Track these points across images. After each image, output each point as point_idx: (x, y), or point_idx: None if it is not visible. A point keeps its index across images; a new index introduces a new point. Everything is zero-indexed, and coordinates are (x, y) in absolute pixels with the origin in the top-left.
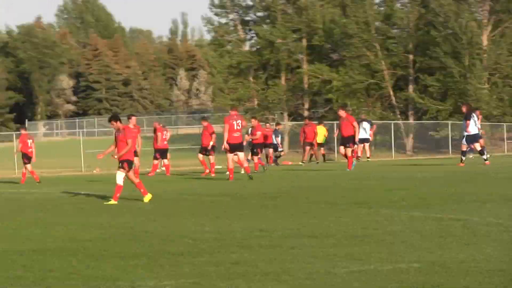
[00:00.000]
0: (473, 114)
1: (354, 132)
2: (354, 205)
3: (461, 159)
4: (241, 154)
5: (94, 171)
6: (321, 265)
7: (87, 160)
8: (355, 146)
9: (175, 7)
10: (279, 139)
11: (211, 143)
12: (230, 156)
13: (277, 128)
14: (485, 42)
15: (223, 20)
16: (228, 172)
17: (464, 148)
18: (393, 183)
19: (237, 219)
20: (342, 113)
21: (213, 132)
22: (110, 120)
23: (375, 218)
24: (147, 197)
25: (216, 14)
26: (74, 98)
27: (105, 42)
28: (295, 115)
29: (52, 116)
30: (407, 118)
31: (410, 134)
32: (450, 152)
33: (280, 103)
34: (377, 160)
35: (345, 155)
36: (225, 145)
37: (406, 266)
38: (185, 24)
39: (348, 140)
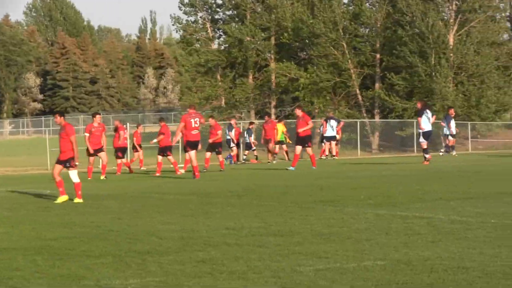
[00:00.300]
0: (427, 111)
1: (310, 131)
2: (320, 203)
3: (424, 157)
4: (192, 153)
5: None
6: (287, 263)
7: (53, 159)
8: (322, 145)
9: (144, 5)
10: (252, 138)
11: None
12: (192, 153)
13: (250, 127)
14: (451, 41)
15: (192, 19)
16: (193, 171)
17: (425, 146)
18: (359, 181)
19: (203, 218)
20: (298, 112)
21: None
22: (55, 115)
23: (341, 216)
24: (62, 198)
25: (185, 13)
26: (40, 97)
27: (73, 41)
28: (262, 114)
29: (18, 114)
30: (373, 117)
31: (376, 132)
32: (415, 151)
33: (248, 101)
34: (343, 159)
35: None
36: (174, 140)
37: (371, 264)
38: (153, 22)
39: (305, 140)
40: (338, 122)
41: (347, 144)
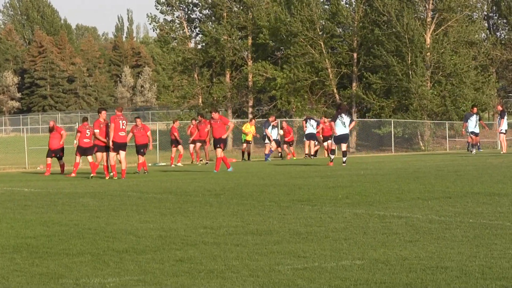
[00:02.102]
0: (342, 115)
1: (226, 133)
2: (298, 202)
3: (330, 159)
4: (123, 153)
5: (38, 168)
6: (265, 262)
7: (31, 157)
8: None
9: (121, 4)
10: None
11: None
12: (113, 154)
13: (273, 124)
14: (428, 40)
15: (169, 18)
16: (111, 170)
17: (333, 147)
18: (337, 180)
19: (181, 216)
20: (215, 115)
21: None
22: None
23: (319, 216)
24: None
25: (162, 12)
26: (18, 95)
27: (50, 39)
28: (239, 113)
29: None
30: (350, 116)
31: (353, 131)
32: (393, 150)
33: (225, 100)
34: (321, 158)
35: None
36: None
37: (349, 263)
38: (130, 21)
39: (218, 141)
40: (318, 122)
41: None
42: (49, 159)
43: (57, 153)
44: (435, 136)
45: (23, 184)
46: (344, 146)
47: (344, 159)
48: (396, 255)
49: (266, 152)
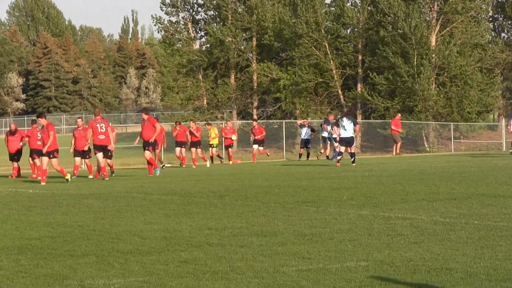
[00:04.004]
0: (343, 119)
1: (155, 134)
2: (303, 204)
3: (337, 159)
4: (100, 155)
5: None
6: (270, 264)
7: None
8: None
9: (126, 5)
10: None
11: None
12: (100, 155)
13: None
14: (433, 42)
15: (174, 19)
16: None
17: (340, 149)
18: (341, 182)
19: (186, 218)
20: (144, 116)
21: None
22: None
23: (324, 217)
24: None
25: (167, 13)
26: (23, 96)
27: (55, 40)
28: (244, 114)
29: (0, 114)
30: (355, 117)
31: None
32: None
33: (230, 102)
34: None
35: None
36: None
37: (354, 265)
38: (135, 22)
39: (147, 144)
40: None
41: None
42: (15, 162)
43: (16, 156)
44: (440, 138)
45: (28, 185)
46: (349, 148)
47: (352, 159)
48: (401, 257)
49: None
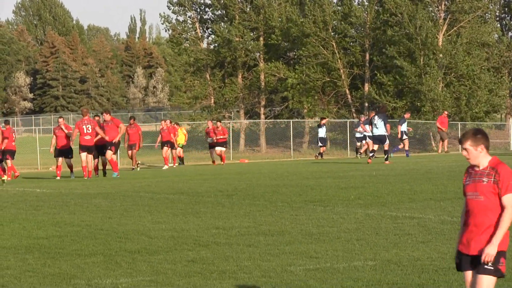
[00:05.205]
0: (375, 117)
1: (119, 135)
2: (310, 203)
3: (369, 156)
4: (89, 156)
5: (51, 169)
6: (277, 263)
7: (44, 158)
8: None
9: (134, 4)
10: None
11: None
12: (83, 155)
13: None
14: (440, 41)
15: (181, 18)
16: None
17: (373, 147)
18: (349, 181)
19: (193, 217)
20: (106, 116)
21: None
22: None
23: (331, 216)
24: None
25: (174, 12)
26: (30, 96)
27: (62, 40)
28: (251, 113)
29: (8, 113)
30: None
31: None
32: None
33: (237, 101)
34: (333, 158)
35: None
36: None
37: (361, 264)
38: (143, 21)
39: (105, 146)
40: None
41: (336, 144)
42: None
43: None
44: (448, 137)
45: (35, 185)
46: (383, 146)
47: (385, 156)
48: (409, 256)
49: (406, 148)
